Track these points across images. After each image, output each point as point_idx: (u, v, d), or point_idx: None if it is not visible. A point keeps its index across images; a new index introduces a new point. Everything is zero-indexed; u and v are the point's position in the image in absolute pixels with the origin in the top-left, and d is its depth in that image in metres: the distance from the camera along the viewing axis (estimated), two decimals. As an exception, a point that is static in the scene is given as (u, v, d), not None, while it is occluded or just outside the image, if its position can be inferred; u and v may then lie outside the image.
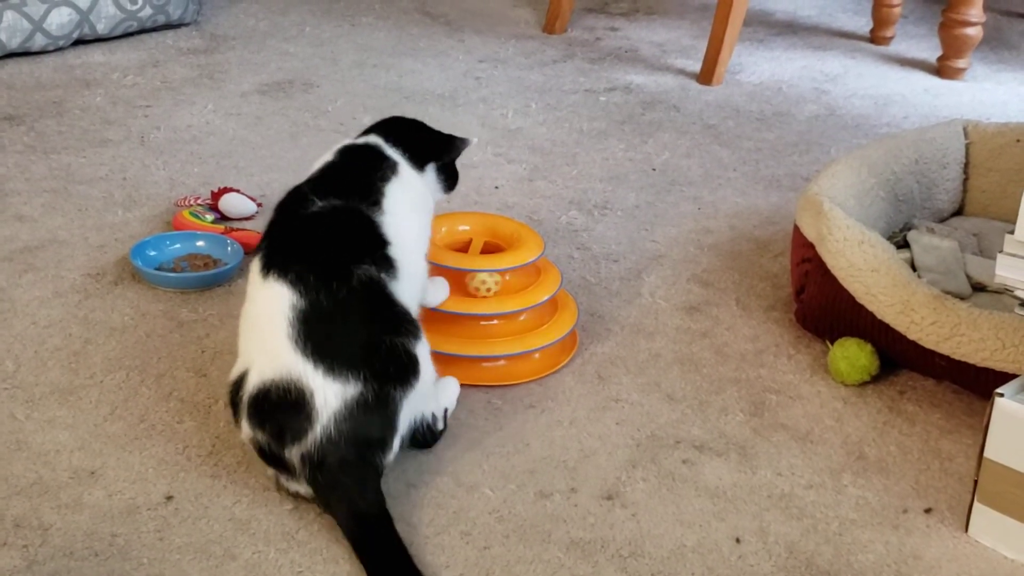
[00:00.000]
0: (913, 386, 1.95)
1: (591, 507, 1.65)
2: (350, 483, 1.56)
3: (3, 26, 3.05)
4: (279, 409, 1.56)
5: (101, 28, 3.23)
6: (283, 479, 1.62)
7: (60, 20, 3.13)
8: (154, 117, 2.85)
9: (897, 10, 3.64)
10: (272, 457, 1.59)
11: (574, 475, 1.72)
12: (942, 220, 2.37)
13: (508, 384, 1.91)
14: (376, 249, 1.67)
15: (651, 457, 1.76)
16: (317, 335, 1.56)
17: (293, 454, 1.56)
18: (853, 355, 1.93)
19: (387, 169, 1.79)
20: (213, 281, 2.13)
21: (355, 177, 1.76)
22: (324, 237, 1.65)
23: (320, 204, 1.69)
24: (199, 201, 2.37)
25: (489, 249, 2.01)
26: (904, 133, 2.39)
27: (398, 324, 1.63)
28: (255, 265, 1.65)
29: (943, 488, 1.72)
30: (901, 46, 3.67)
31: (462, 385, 1.87)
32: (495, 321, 1.94)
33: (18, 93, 2.94)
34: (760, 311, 2.15)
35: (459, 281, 1.93)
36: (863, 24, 3.80)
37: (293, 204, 1.71)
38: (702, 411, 1.87)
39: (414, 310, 1.71)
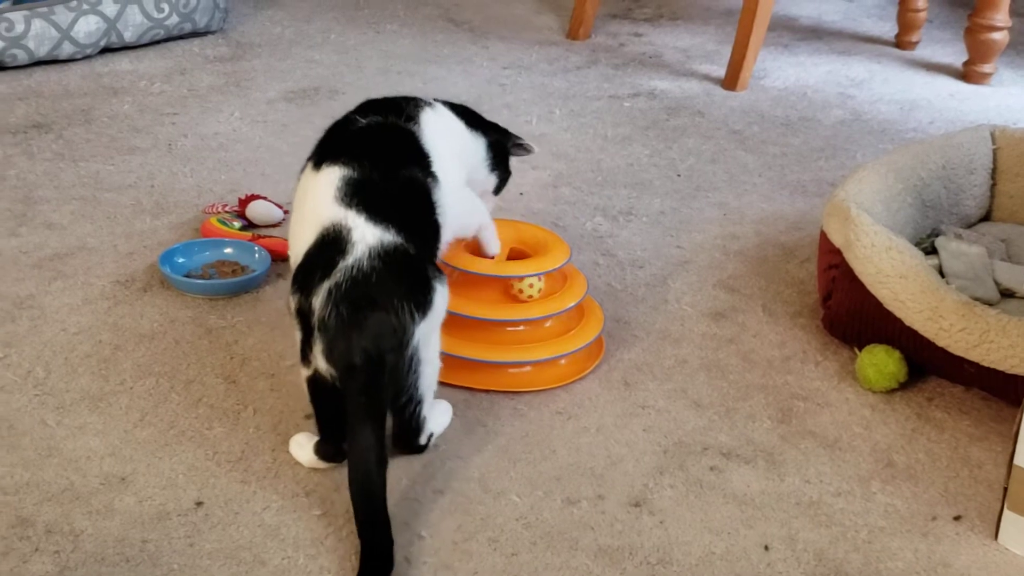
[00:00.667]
0: (942, 393, 1.95)
1: (618, 514, 1.65)
2: (365, 328, 1.55)
3: (31, 34, 3.07)
4: (317, 254, 1.61)
5: (128, 36, 3.25)
6: (306, 359, 1.62)
7: (88, 28, 3.16)
8: (181, 125, 2.87)
9: (922, 15, 3.63)
10: (302, 317, 1.60)
11: (601, 482, 1.72)
12: (970, 226, 2.36)
13: (534, 390, 1.91)
14: (421, 158, 1.75)
15: (678, 464, 1.76)
16: (363, 194, 1.64)
17: (320, 293, 1.57)
18: (881, 362, 1.92)
19: (424, 105, 1.85)
20: (241, 288, 2.14)
21: (397, 104, 1.83)
22: (374, 140, 1.75)
23: (365, 121, 1.77)
24: (227, 208, 2.39)
25: (513, 256, 2.01)
26: (931, 138, 2.38)
27: (434, 235, 1.73)
28: (306, 168, 1.74)
29: (972, 495, 1.72)
30: (926, 51, 3.65)
31: (488, 391, 1.88)
32: (521, 327, 1.94)
33: (46, 101, 2.96)
34: (787, 317, 2.15)
35: (490, 288, 1.93)
36: (888, 29, 3.79)
37: (340, 123, 1.80)
38: (729, 418, 1.87)
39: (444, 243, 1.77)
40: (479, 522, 1.62)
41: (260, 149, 2.75)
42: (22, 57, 3.09)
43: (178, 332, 2.02)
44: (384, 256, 1.59)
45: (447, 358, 1.89)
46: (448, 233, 1.77)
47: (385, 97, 1.86)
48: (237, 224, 2.33)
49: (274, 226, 2.37)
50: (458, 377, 1.91)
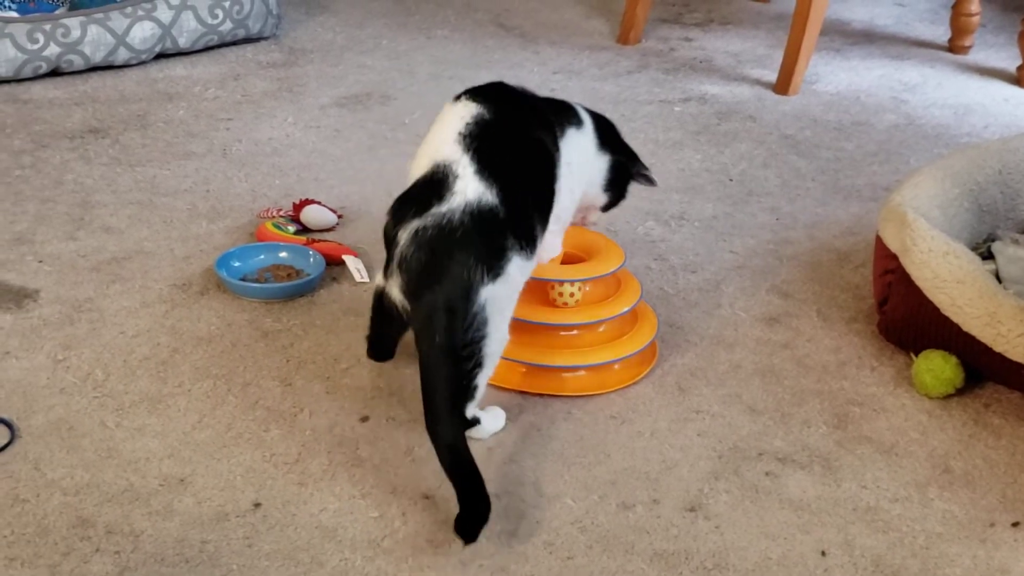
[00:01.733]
0: (999, 399, 1.93)
1: (674, 519, 1.65)
2: (439, 279, 1.63)
3: (87, 40, 3.11)
4: (420, 188, 1.71)
5: (183, 42, 3.28)
6: (384, 285, 1.72)
7: (143, 34, 3.19)
8: (235, 130, 2.89)
9: (976, 19, 3.60)
10: (388, 242, 1.70)
11: (656, 486, 1.72)
12: (1026, 231, 2.34)
13: (588, 395, 1.91)
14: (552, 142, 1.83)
15: (733, 469, 1.76)
16: (484, 141, 1.70)
17: (408, 229, 1.66)
18: (938, 367, 1.91)
19: (575, 117, 1.93)
20: (296, 292, 2.16)
21: (551, 107, 1.91)
22: (520, 106, 1.83)
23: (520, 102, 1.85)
24: (281, 213, 2.41)
25: (568, 260, 2.02)
26: (987, 143, 2.36)
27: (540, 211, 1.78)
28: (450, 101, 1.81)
29: (1031, 502, 1.71)
30: (980, 55, 3.62)
31: (543, 395, 1.89)
32: (575, 332, 1.95)
33: (102, 106, 3.00)
34: (842, 322, 2.14)
35: (541, 291, 1.94)
36: (941, 33, 3.76)
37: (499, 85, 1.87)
38: (784, 423, 1.87)
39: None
40: (534, 525, 1.63)
41: (313, 154, 2.77)
42: (78, 63, 3.13)
43: (235, 335, 2.04)
44: (476, 215, 1.67)
45: (502, 362, 1.91)
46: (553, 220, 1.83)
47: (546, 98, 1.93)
48: (291, 228, 2.35)
49: (328, 230, 2.39)
50: (512, 381, 1.91)
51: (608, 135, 2.00)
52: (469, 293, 1.64)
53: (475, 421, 1.78)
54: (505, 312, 1.74)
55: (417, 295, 1.65)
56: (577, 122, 1.93)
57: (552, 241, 1.94)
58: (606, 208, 2.05)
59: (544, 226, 1.80)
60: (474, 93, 1.80)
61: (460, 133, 1.72)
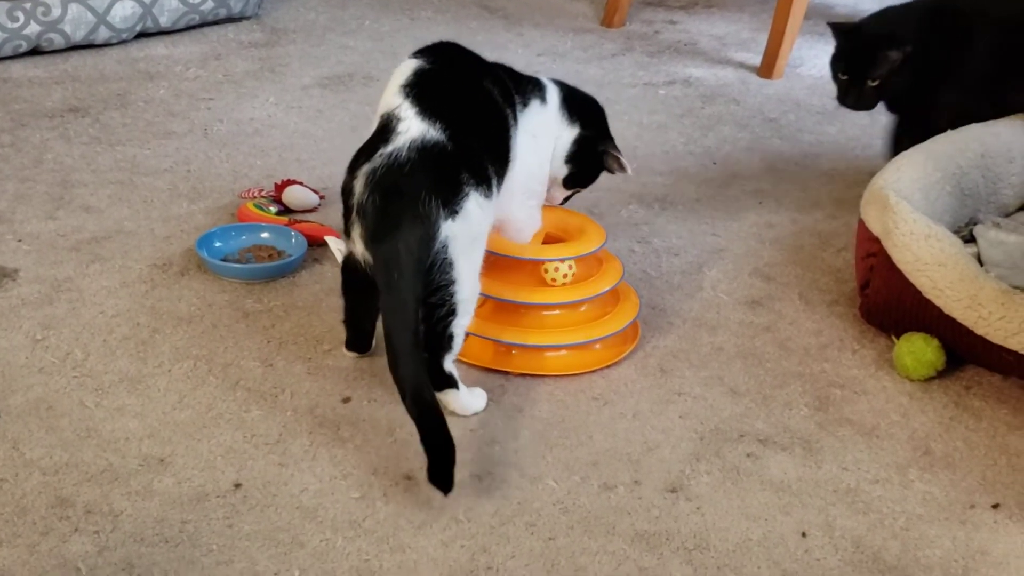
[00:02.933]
0: (980, 381, 1.94)
1: (655, 500, 1.65)
2: (393, 217, 1.66)
3: (68, 19, 3.08)
4: (370, 140, 1.75)
5: (164, 21, 3.26)
6: (345, 242, 1.77)
7: (123, 13, 3.17)
8: (217, 110, 2.88)
9: (959, 3, 3.60)
10: (345, 196, 1.73)
11: (638, 468, 1.72)
12: (1007, 215, 2.34)
13: (570, 375, 1.91)
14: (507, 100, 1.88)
15: (715, 451, 1.76)
16: (422, 88, 1.76)
17: (361, 176, 1.69)
18: (919, 350, 1.91)
19: (539, 90, 1.99)
20: (278, 272, 2.15)
21: (514, 77, 1.97)
22: (471, 65, 1.90)
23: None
24: (263, 193, 2.40)
25: (549, 241, 2.01)
26: (969, 127, 2.36)
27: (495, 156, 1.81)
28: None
29: (1011, 484, 1.71)
30: (963, 39, 3.62)
31: (525, 375, 1.89)
32: (557, 311, 1.94)
33: (83, 85, 2.97)
34: (823, 305, 2.14)
35: (524, 271, 1.94)
36: (924, 17, 3.76)
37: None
38: (766, 405, 1.87)
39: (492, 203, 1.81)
40: (516, 506, 1.63)
41: (295, 135, 2.75)
42: (58, 41, 3.11)
43: (215, 316, 2.03)
44: (422, 149, 1.70)
45: (483, 341, 1.91)
46: (511, 179, 1.87)
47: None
48: (273, 209, 2.34)
49: (310, 211, 2.38)
50: (495, 361, 1.91)
51: (581, 110, 2.02)
52: (428, 231, 1.65)
53: (452, 377, 1.78)
54: (472, 256, 1.74)
55: (376, 238, 1.66)
56: (541, 95, 1.98)
57: (531, 215, 1.97)
58: (570, 185, 2.04)
59: (500, 176, 1.82)
60: (419, 51, 1.88)
61: (402, 85, 1.78)
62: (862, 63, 2.46)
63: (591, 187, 2.08)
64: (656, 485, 1.68)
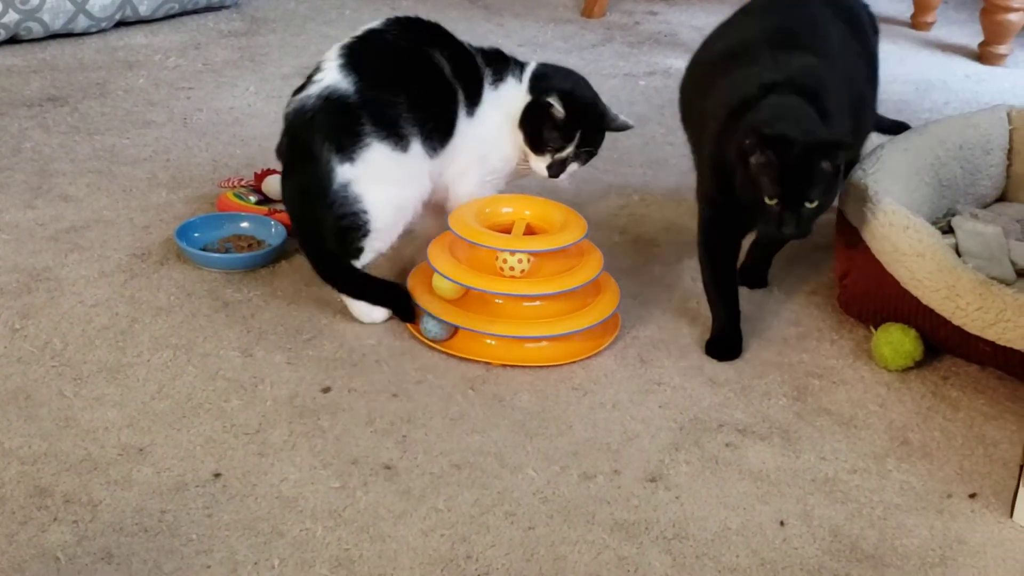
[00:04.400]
0: (957, 372, 1.95)
1: (635, 489, 1.66)
2: (301, 156, 1.91)
3: (46, 7, 3.06)
4: (301, 85, 1.98)
5: (143, 10, 3.24)
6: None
7: (103, 2, 3.15)
8: (196, 99, 2.87)
9: (938, -5, 3.62)
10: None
11: (617, 457, 1.72)
12: (985, 206, 2.35)
13: (551, 365, 1.91)
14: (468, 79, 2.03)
15: (694, 440, 1.76)
16: (358, 44, 1.96)
17: (284, 116, 1.97)
18: (897, 340, 1.92)
19: (518, 69, 2.10)
20: (258, 262, 2.14)
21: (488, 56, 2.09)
22: (418, 31, 2.03)
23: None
24: (243, 183, 2.39)
25: (530, 232, 2.02)
26: (948, 119, 2.38)
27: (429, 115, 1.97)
28: None
29: (987, 474, 1.72)
30: (942, 31, 3.64)
31: (505, 366, 1.89)
32: (538, 303, 1.95)
33: (61, 74, 2.96)
34: (802, 296, 2.15)
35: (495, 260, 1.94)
36: (904, 9, 3.77)
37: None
38: (745, 395, 1.88)
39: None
40: (496, 496, 1.63)
41: (275, 124, 2.70)
42: (37, 30, 3.09)
43: (195, 305, 2.03)
44: (327, 98, 1.90)
45: (464, 332, 1.91)
46: (466, 150, 2.03)
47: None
48: (253, 198, 2.33)
49: (290, 201, 2.37)
50: (476, 352, 1.91)
51: (547, 81, 2.08)
52: (324, 173, 1.89)
53: (358, 274, 2.00)
54: (387, 196, 1.94)
55: (284, 176, 1.96)
56: (519, 74, 2.09)
57: (469, 188, 2.07)
58: (536, 148, 2.08)
59: (429, 138, 1.96)
60: (388, 19, 2.00)
61: (344, 41, 1.97)
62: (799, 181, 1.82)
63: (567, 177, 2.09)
64: (635, 474, 1.69)
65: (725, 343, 1.98)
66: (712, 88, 2.02)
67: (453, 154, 2.03)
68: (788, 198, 1.79)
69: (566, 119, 2.04)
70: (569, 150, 2.07)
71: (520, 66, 2.10)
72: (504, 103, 2.06)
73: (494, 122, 2.05)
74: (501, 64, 2.08)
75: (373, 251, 2.00)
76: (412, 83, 1.95)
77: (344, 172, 1.90)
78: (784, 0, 2.16)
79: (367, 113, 1.90)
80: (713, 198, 1.99)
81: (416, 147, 1.96)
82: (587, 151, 2.10)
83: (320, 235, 1.93)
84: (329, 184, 1.89)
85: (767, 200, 1.80)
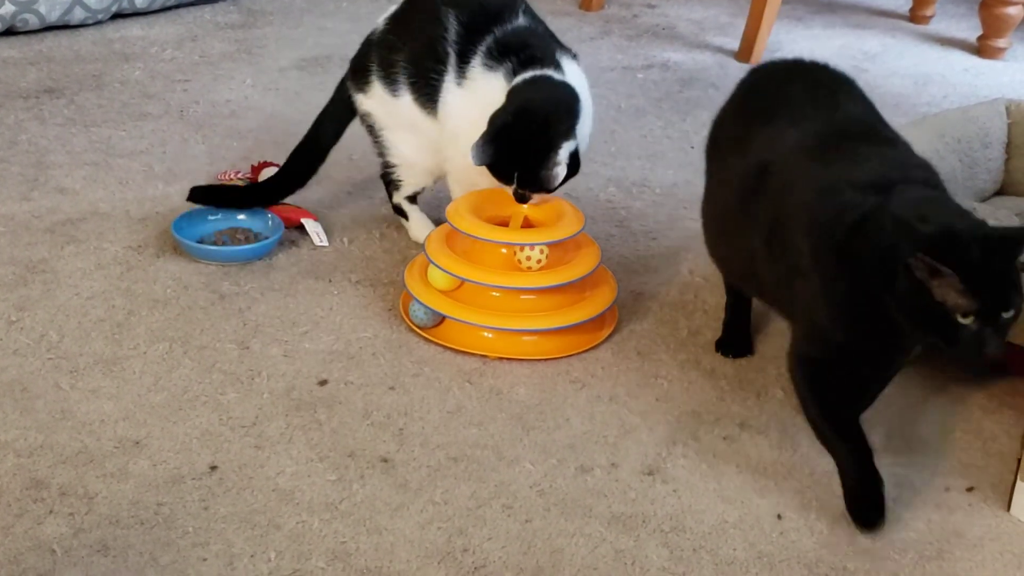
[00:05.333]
0: (954, 367, 1.95)
1: (632, 482, 1.66)
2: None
3: None
4: None
5: (139, 2, 3.24)
6: None
7: (99, -6, 3.14)
8: (193, 91, 2.86)
9: (937, -11, 3.61)
10: None
11: (615, 450, 1.72)
12: (984, 200, 2.35)
13: (548, 359, 1.91)
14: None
15: (691, 433, 1.76)
16: (406, 6, 2.18)
17: None
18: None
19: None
20: (254, 255, 2.14)
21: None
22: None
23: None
24: (239, 175, 2.38)
25: (528, 225, 2.01)
26: (946, 112, 2.37)
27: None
28: None
29: (985, 467, 1.72)
30: (941, 25, 3.64)
31: (502, 359, 1.89)
32: (535, 296, 1.94)
33: (58, 66, 2.95)
34: (800, 289, 2.15)
35: (501, 255, 1.94)
36: (902, 3, 3.77)
37: None
38: (742, 389, 1.87)
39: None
40: (493, 489, 1.63)
41: (272, 117, 2.74)
42: (33, 22, 3.08)
43: (191, 298, 2.02)
44: (365, 43, 2.20)
45: (461, 325, 1.90)
46: (444, 117, 2.09)
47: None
48: (250, 191, 2.33)
49: (287, 193, 2.37)
50: (472, 344, 1.91)
51: (517, 95, 1.99)
52: (344, 96, 2.22)
53: (400, 208, 2.25)
54: (394, 135, 2.16)
55: None
56: (509, 69, 2.05)
57: (451, 168, 2.14)
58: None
59: (415, 88, 2.09)
60: None
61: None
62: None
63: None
64: (633, 468, 1.68)
65: (870, 501, 1.61)
66: (784, 206, 1.65)
67: (443, 121, 2.08)
68: (986, 311, 1.43)
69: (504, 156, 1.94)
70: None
71: (532, 63, 1.99)
72: (485, 91, 2.01)
73: (472, 104, 2.02)
74: (522, 51, 2.00)
75: (402, 186, 2.21)
76: (416, 37, 2.09)
77: (360, 101, 2.18)
78: (793, 90, 1.84)
79: (376, 54, 2.14)
80: (837, 343, 1.59)
81: (406, 97, 2.11)
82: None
83: (306, 150, 2.24)
84: (352, 109, 2.21)
85: (960, 319, 1.43)
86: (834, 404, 1.63)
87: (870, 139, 1.72)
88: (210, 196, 2.23)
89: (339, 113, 2.24)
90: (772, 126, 1.76)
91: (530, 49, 2.02)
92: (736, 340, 1.97)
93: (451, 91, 2.05)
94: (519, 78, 1.98)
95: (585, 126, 2.00)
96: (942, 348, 1.47)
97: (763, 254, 1.68)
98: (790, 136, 1.72)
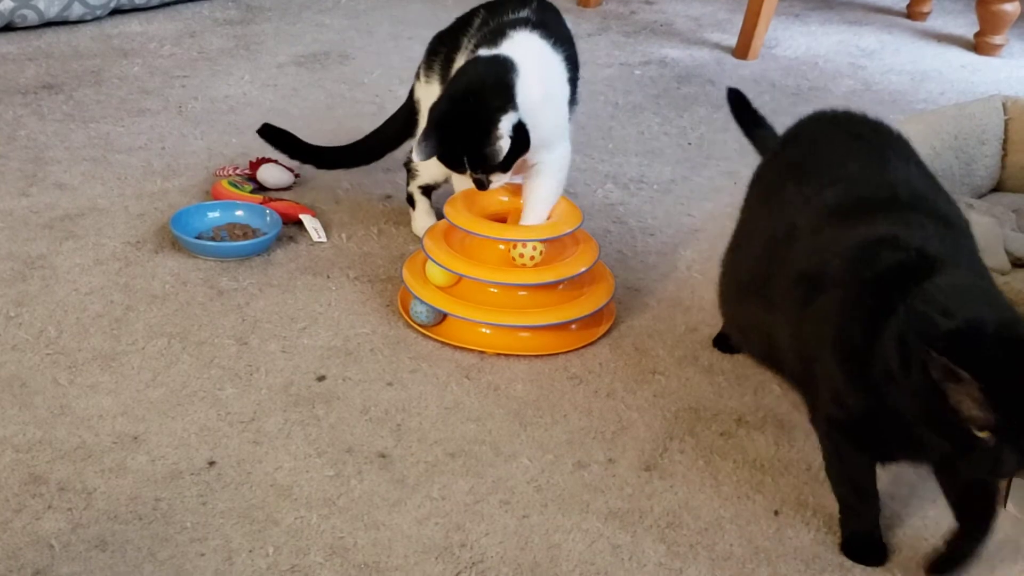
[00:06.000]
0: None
1: (629, 478, 1.66)
2: None
3: (41, -5, 3.06)
4: None
5: (138, -2, 3.24)
6: None
7: (97, -10, 3.14)
8: (191, 87, 2.86)
9: (935, -14, 3.61)
10: None
11: (612, 446, 1.72)
12: (980, 196, 2.35)
13: (545, 354, 1.91)
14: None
15: (689, 429, 1.77)
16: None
17: None
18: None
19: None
20: (252, 250, 2.14)
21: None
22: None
23: None
24: (237, 171, 2.39)
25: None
26: (943, 108, 2.38)
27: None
28: None
29: (981, 463, 1.72)
30: (938, 22, 3.64)
31: (499, 354, 1.89)
32: (533, 292, 1.95)
33: (56, 62, 2.95)
34: (797, 286, 2.15)
35: (498, 251, 1.94)
36: (900, -1, 3.78)
37: None
38: (740, 385, 1.88)
39: None
40: (491, 484, 1.63)
41: (271, 113, 2.74)
42: (32, 18, 3.08)
43: (189, 294, 2.03)
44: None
45: (459, 321, 1.91)
46: None
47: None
48: (248, 187, 2.33)
49: (285, 189, 2.37)
50: (470, 340, 1.91)
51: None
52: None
53: (411, 197, 2.26)
54: (421, 116, 2.18)
55: None
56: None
57: None
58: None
59: (433, 72, 2.17)
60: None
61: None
62: None
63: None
64: (630, 463, 1.69)
65: (869, 544, 1.56)
66: (813, 271, 1.51)
67: None
68: (1007, 428, 1.26)
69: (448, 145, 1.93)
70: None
71: (481, 45, 1.99)
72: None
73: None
74: (486, 37, 2.01)
75: (417, 175, 2.22)
76: (453, 28, 2.19)
77: (415, 87, 2.25)
78: (837, 146, 1.70)
79: (434, 43, 2.23)
80: (853, 414, 1.46)
81: (435, 85, 2.15)
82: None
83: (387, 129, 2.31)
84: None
85: (976, 432, 1.28)
86: (858, 463, 1.52)
87: (916, 207, 1.53)
88: (278, 138, 2.31)
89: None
90: (808, 185, 1.61)
91: (490, 33, 2.01)
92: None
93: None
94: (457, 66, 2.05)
95: (531, 94, 1.92)
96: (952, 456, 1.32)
97: (786, 320, 1.54)
98: (828, 196, 1.57)
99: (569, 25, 2.16)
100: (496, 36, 1.98)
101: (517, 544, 1.53)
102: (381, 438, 1.71)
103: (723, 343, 1.95)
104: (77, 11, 3.14)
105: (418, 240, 2.15)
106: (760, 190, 1.76)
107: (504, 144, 1.86)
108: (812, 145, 1.71)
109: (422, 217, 2.24)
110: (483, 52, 1.96)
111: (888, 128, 1.72)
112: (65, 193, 2.33)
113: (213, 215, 2.22)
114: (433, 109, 1.93)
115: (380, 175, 2.45)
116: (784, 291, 1.55)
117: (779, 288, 1.57)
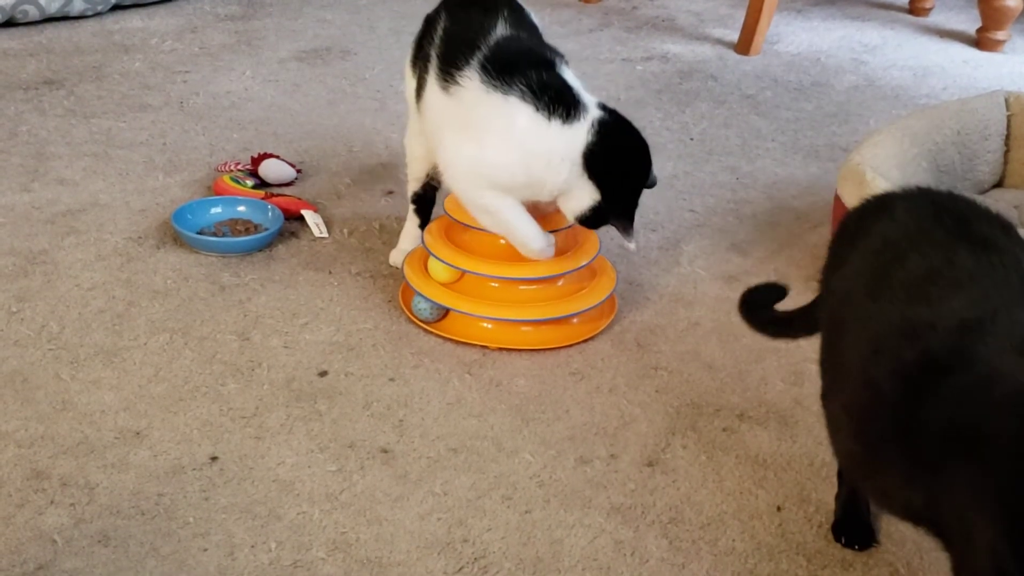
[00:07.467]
0: None
1: (631, 473, 1.66)
2: None
3: (42, -9, 3.06)
4: None
5: (139, -7, 3.24)
6: None
7: (99, -15, 3.14)
8: (193, 83, 2.86)
9: (937, -19, 3.61)
10: None
11: (614, 441, 1.72)
12: (983, 192, 2.35)
13: (547, 349, 1.91)
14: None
15: (691, 425, 1.77)
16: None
17: None
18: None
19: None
20: (254, 246, 2.14)
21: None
22: None
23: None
24: (239, 167, 2.39)
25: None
26: (946, 104, 2.37)
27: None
28: None
29: (984, 459, 1.72)
30: (940, 17, 3.64)
31: (502, 349, 1.89)
32: (534, 286, 1.95)
33: (57, 58, 2.95)
34: (799, 281, 2.14)
35: (499, 245, 1.94)
36: (902, -5, 3.77)
37: None
38: (742, 380, 1.88)
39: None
40: (493, 480, 1.63)
41: (272, 108, 2.74)
42: (33, 13, 3.08)
43: (191, 289, 2.02)
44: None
45: (461, 316, 1.91)
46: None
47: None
48: (250, 183, 2.33)
49: (287, 185, 2.37)
50: (472, 335, 1.91)
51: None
52: None
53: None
54: None
55: None
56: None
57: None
58: None
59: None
60: None
61: None
62: None
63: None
64: (632, 459, 1.69)
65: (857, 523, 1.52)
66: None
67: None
68: None
69: None
70: None
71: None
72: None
73: None
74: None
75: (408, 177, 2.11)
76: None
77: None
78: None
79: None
80: None
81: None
82: None
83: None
84: None
85: None
86: None
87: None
88: None
89: None
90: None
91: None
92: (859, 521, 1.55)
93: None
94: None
95: None
96: None
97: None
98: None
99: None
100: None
101: (519, 540, 1.53)
102: (383, 433, 1.71)
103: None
104: (78, 6, 3.14)
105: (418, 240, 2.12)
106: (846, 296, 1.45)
107: None
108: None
109: (404, 239, 2.12)
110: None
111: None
112: (66, 189, 2.33)
113: (215, 211, 2.22)
114: None
115: (381, 171, 2.45)
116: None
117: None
